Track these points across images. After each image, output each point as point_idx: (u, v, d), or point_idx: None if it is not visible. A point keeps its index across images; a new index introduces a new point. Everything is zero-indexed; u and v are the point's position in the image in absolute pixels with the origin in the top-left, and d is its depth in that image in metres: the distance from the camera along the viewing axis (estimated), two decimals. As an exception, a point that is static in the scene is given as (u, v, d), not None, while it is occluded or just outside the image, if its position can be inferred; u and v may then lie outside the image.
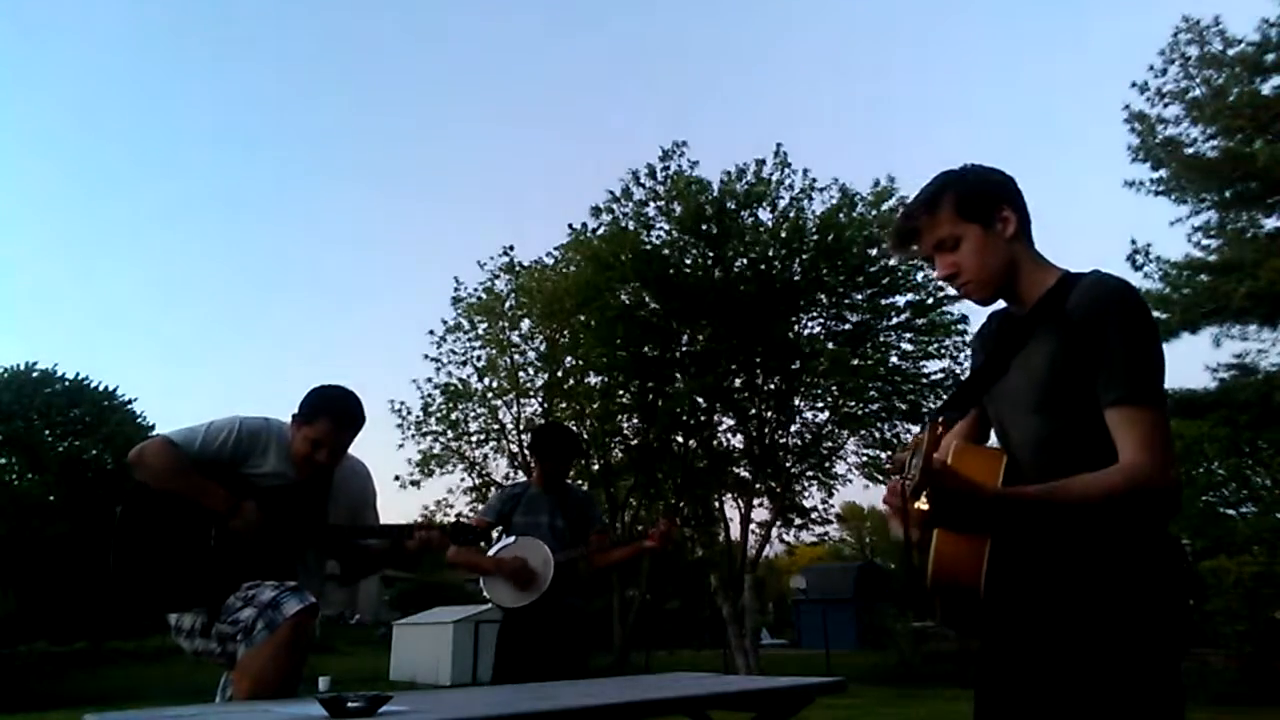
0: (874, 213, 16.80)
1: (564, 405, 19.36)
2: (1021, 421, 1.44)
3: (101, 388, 29.56)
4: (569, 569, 3.59)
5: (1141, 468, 1.26)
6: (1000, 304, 1.58)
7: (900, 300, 17.52)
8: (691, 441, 18.85)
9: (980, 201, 1.48)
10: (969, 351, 1.82)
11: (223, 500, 2.37)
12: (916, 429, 1.51)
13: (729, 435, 19.38)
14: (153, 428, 29.09)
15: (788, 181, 17.31)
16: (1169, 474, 1.28)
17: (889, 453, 17.87)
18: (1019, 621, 1.38)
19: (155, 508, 2.37)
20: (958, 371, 16.58)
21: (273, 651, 2.17)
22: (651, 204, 17.59)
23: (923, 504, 1.23)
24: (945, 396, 1.93)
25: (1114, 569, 1.30)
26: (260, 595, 2.26)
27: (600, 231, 17.73)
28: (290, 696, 2.16)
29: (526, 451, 19.12)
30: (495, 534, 3.75)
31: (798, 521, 19.76)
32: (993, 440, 1.57)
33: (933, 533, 1.32)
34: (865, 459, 18.86)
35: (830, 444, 19.12)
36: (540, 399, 20.06)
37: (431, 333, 20.19)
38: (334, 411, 2.54)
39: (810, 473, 19.58)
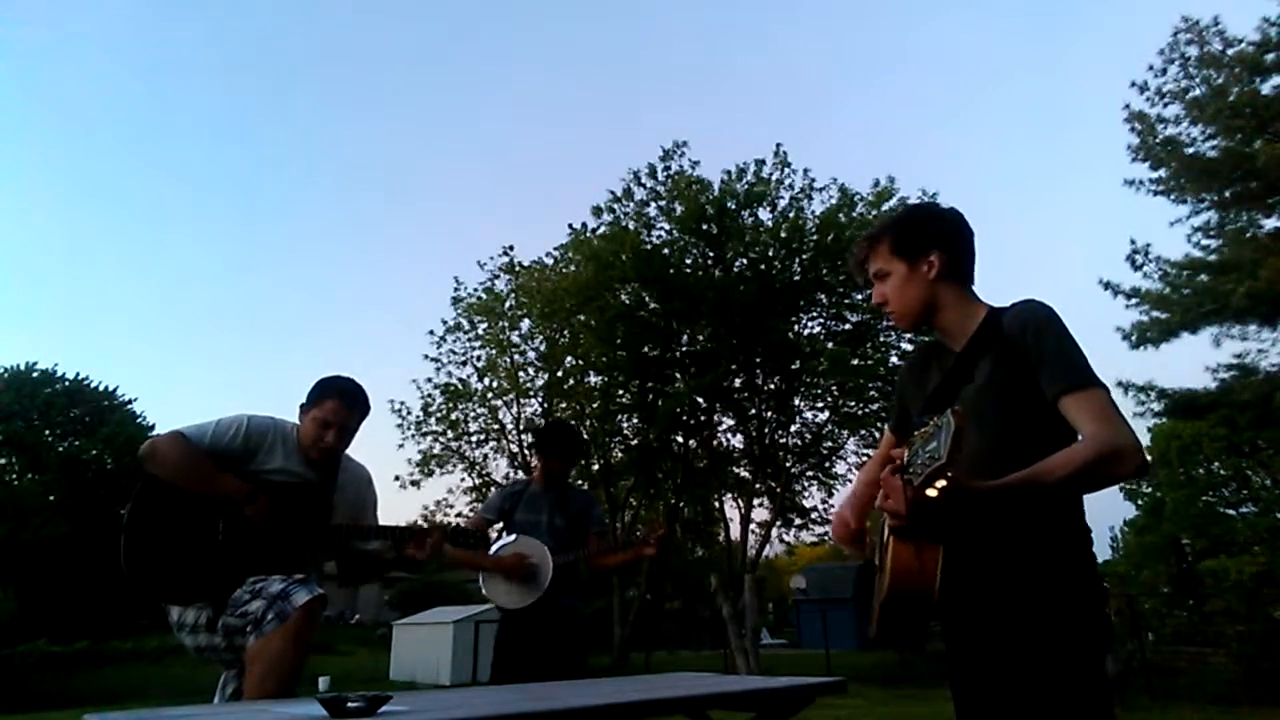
0: (874, 213, 16.80)
1: (564, 405, 19.36)
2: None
3: (101, 388, 29.60)
4: (568, 570, 3.58)
5: (1104, 435, 1.37)
6: (926, 336, 1.77)
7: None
8: (691, 441, 18.85)
9: (912, 243, 1.66)
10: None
11: (238, 489, 2.39)
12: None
13: (729, 435, 19.40)
14: (153, 428, 29.11)
15: (788, 181, 17.35)
16: (1131, 435, 1.39)
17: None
18: (971, 621, 1.51)
19: (163, 501, 2.39)
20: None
21: (284, 640, 2.18)
22: (652, 204, 17.62)
23: (935, 490, 1.23)
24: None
25: (1050, 572, 1.45)
26: (269, 587, 2.27)
27: (600, 231, 17.75)
28: (291, 692, 2.17)
29: (529, 450, 19.34)
30: (495, 532, 3.75)
31: (798, 521, 19.79)
32: None
33: (889, 545, 1.40)
34: (865, 459, 18.83)
35: (830, 444, 19.14)
36: (540, 399, 20.06)
37: (431, 333, 20.24)
38: (340, 392, 2.60)
39: (810, 473, 19.59)
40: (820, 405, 18.83)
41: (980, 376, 1.54)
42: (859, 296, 17.75)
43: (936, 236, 1.66)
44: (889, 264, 1.67)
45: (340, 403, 2.57)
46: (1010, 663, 1.42)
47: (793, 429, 18.85)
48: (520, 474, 19.11)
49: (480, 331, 20.13)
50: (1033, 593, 1.43)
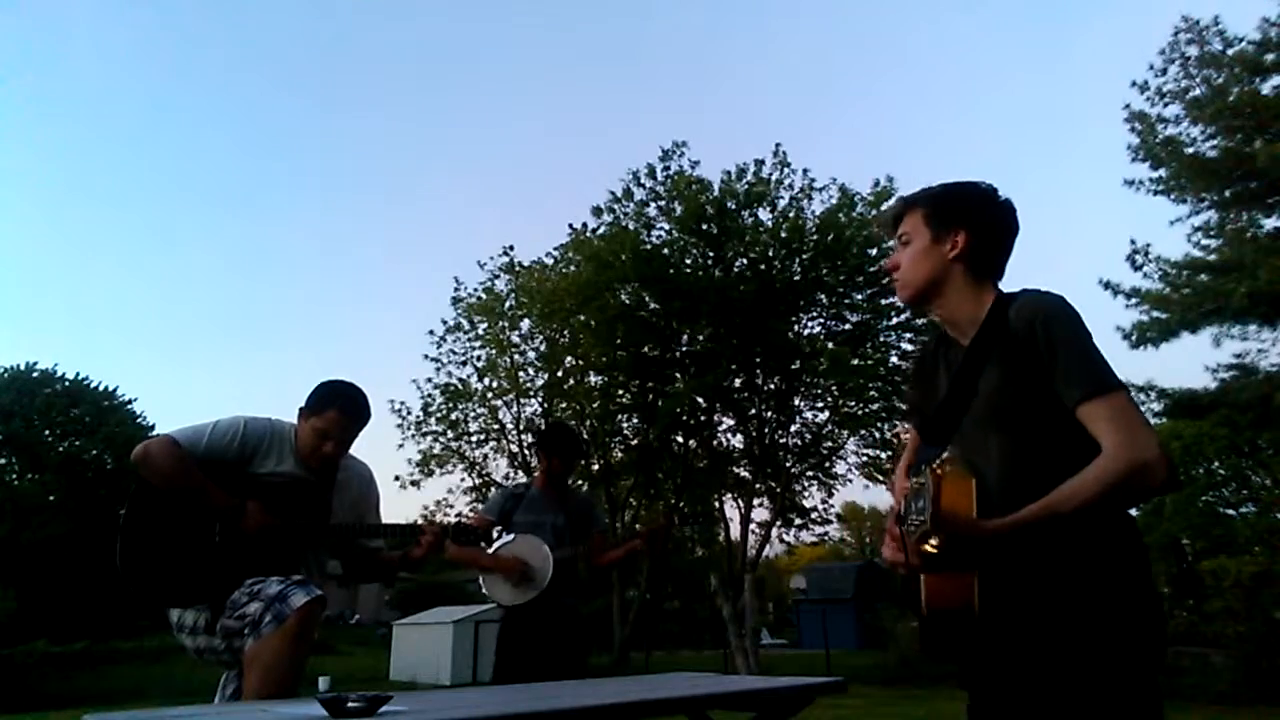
0: (874, 213, 16.81)
1: (564, 405, 19.37)
2: (981, 443, 1.45)
3: (101, 388, 29.58)
4: (568, 568, 3.59)
5: (1127, 447, 1.27)
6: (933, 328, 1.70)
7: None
8: (691, 441, 18.87)
9: (941, 216, 1.58)
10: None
11: (224, 501, 2.38)
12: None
13: (729, 435, 19.44)
14: (153, 428, 29.10)
15: (787, 181, 17.38)
16: (1156, 446, 1.28)
17: (889, 452, 17.88)
18: (1009, 634, 1.38)
19: (160, 504, 2.39)
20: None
21: (281, 643, 2.18)
22: (652, 204, 17.66)
23: (930, 548, 1.24)
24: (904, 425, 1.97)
25: (1096, 582, 1.33)
26: (266, 589, 2.27)
27: (600, 231, 17.77)
28: (291, 694, 2.17)
29: (529, 450, 19.34)
30: (496, 532, 3.75)
31: (798, 521, 19.81)
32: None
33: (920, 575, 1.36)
34: (865, 459, 18.88)
35: (830, 444, 19.15)
36: (540, 399, 20.07)
37: (431, 333, 20.25)
38: (342, 403, 2.57)
39: (810, 473, 19.61)
40: (820, 405, 18.87)
41: (988, 384, 1.45)
42: (859, 296, 17.80)
43: (970, 217, 1.56)
44: (916, 230, 1.59)
45: (341, 415, 2.55)
46: (1056, 671, 1.31)
47: (793, 429, 18.89)
48: (520, 474, 19.13)
49: (480, 331, 20.15)
50: (1080, 599, 1.32)
